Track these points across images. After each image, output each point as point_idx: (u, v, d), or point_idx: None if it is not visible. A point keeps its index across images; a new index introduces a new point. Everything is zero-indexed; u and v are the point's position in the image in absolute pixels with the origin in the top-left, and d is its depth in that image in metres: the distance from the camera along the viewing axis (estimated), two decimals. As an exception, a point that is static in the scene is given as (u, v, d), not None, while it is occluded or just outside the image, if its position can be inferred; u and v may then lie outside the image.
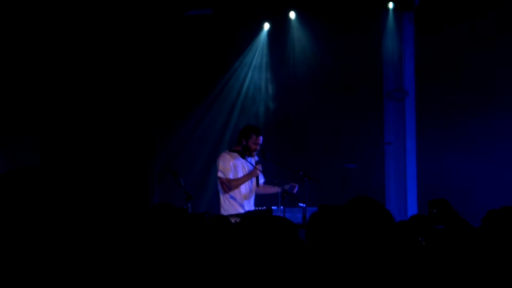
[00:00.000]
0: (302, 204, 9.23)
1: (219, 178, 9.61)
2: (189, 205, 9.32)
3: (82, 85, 12.35)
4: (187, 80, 12.77)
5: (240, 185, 9.58)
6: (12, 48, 11.64)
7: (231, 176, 9.56)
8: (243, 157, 9.57)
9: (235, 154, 9.63)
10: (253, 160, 9.68)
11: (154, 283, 4.10)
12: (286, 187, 9.40)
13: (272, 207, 9.28)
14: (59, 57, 12.18)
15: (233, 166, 9.60)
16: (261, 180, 9.70)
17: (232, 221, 9.01)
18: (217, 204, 9.84)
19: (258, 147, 9.64)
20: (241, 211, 9.45)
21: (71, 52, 12.22)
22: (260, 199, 9.96)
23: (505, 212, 4.39)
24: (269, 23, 12.77)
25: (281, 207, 9.19)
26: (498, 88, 11.69)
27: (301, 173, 9.57)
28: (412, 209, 12.00)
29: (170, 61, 12.81)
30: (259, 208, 9.55)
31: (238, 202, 9.61)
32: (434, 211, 5.04)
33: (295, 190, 9.41)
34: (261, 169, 9.56)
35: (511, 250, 4.17)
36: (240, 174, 9.62)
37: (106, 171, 12.18)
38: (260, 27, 12.79)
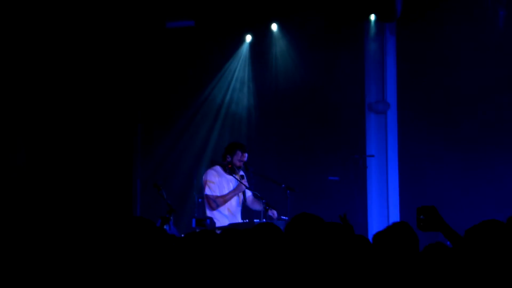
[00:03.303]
0: (284, 217, 9.20)
1: (206, 195, 9.57)
2: (172, 217, 9.26)
3: (65, 95, 12.28)
4: (169, 92, 12.74)
5: (227, 201, 9.56)
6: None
7: (217, 193, 9.53)
8: (228, 172, 9.54)
9: (220, 170, 9.61)
10: (237, 176, 9.64)
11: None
12: (270, 212, 9.33)
13: (255, 220, 9.24)
14: (47, 67, 12.10)
15: (219, 182, 9.57)
16: (247, 194, 9.70)
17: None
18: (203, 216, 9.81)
19: (242, 164, 9.63)
20: (227, 224, 9.42)
21: (56, 61, 12.15)
22: (243, 212, 9.92)
23: (483, 228, 4.42)
24: (251, 35, 12.77)
25: (264, 220, 9.17)
26: (481, 100, 11.72)
27: (283, 185, 9.56)
28: (394, 221, 11.97)
29: (152, 73, 12.78)
30: (244, 221, 9.51)
31: (225, 215, 9.58)
32: (422, 217, 5.07)
33: (274, 215, 9.36)
34: (246, 184, 9.54)
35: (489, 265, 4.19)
36: (226, 190, 9.59)
37: (87, 184, 12.10)
38: (242, 39, 12.78)
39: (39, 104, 12.14)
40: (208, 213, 9.64)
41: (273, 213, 9.30)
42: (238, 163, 9.59)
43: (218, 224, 9.31)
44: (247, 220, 9.42)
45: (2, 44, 11.64)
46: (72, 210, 11.55)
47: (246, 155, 9.64)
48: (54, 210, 11.47)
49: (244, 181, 9.54)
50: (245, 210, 9.96)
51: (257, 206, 9.76)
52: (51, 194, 11.70)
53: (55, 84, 12.21)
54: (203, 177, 9.70)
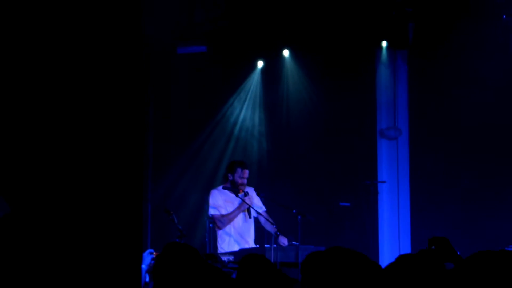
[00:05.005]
0: (295, 243, 9.17)
1: (212, 216, 9.61)
2: (182, 242, 9.24)
3: (76, 119, 12.27)
4: (180, 118, 12.74)
5: (232, 219, 9.57)
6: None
7: (223, 213, 9.55)
8: (235, 193, 9.54)
9: (225, 191, 9.61)
10: (243, 195, 9.65)
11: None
12: (281, 239, 9.23)
13: (265, 245, 9.22)
14: (50, 86, 12.11)
15: (224, 202, 9.59)
16: (253, 212, 9.65)
17: (225, 259, 8.99)
18: (214, 241, 9.83)
19: (245, 181, 9.63)
20: (237, 248, 9.41)
21: (67, 86, 12.15)
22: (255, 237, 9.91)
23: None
24: (262, 61, 12.78)
25: (274, 245, 9.13)
26: (494, 126, 11.69)
27: (294, 211, 9.53)
28: (405, 248, 11.94)
29: (163, 98, 12.78)
30: (256, 245, 9.50)
31: (234, 239, 9.57)
32: (433, 247, 4.99)
33: (284, 244, 9.27)
34: (251, 201, 9.54)
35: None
36: (231, 209, 9.61)
37: (96, 208, 12.08)
38: (254, 65, 12.81)
39: (50, 127, 12.15)
40: (218, 235, 9.66)
41: (284, 241, 9.23)
42: (239, 181, 9.59)
43: (228, 249, 9.33)
44: (258, 246, 9.42)
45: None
46: (80, 234, 11.54)
47: (246, 171, 9.65)
48: (62, 230, 11.45)
49: (248, 198, 9.53)
50: (257, 234, 9.93)
51: (269, 228, 9.68)
52: (58, 213, 11.69)
53: (67, 109, 12.22)
54: (207, 198, 9.74)
